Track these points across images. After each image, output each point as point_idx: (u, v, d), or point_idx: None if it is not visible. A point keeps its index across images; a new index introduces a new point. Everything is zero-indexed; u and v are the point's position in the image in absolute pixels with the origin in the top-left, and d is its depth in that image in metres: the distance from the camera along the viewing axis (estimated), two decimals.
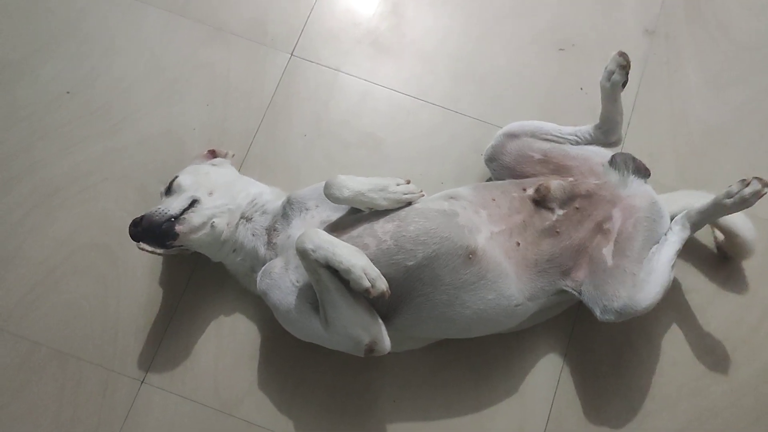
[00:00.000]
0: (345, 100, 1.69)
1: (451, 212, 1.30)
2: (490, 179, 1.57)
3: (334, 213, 1.35)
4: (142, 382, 1.45)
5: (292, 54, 1.72)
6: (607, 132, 1.47)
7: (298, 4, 1.77)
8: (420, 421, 1.44)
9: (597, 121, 1.46)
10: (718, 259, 1.54)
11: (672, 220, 1.39)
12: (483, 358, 1.47)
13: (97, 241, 1.54)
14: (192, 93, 1.68)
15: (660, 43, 1.74)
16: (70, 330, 1.48)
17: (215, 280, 1.51)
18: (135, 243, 1.40)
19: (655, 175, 1.43)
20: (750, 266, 1.54)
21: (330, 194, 1.28)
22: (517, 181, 1.43)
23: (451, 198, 1.34)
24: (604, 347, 1.48)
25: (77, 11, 1.73)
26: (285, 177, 1.60)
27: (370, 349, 1.24)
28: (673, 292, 1.45)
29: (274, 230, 1.37)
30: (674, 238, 1.35)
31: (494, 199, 1.36)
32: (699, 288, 1.53)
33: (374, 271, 1.18)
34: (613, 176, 1.41)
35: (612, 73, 1.39)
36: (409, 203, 1.31)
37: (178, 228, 1.29)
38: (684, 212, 1.38)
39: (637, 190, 1.40)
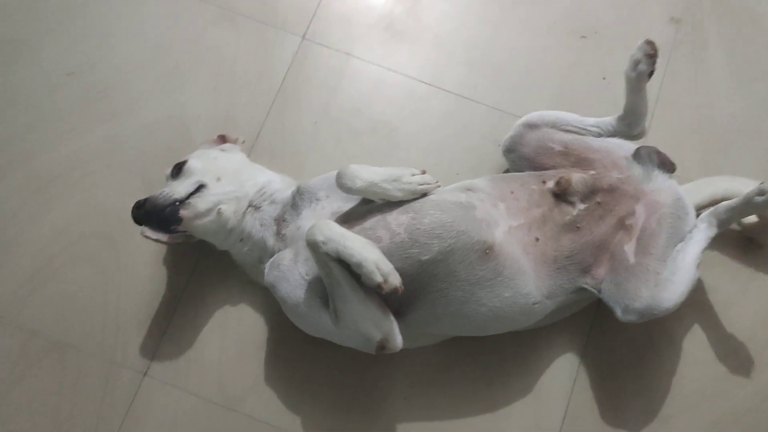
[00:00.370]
0: (357, 86, 1.63)
1: (468, 205, 1.24)
2: (507, 170, 1.51)
3: (346, 203, 1.29)
4: (144, 375, 1.40)
5: (303, 37, 1.66)
6: (630, 124, 1.40)
7: None
8: (431, 420, 1.39)
9: (620, 112, 1.40)
10: (743, 253, 1.48)
11: (697, 211, 1.33)
12: (497, 355, 1.42)
13: (98, 230, 1.49)
14: (198, 77, 1.62)
15: (686, 32, 1.67)
16: (69, 321, 1.43)
17: (221, 270, 1.46)
18: (138, 230, 1.36)
19: (678, 170, 1.36)
20: None
21: (342, 184, 1.22)
22: (537, 173, 1.37)
23: (468, 190, 1.29)
24: (622, 347, 1.43)
25: None
26: (294, 165, 1.55)
27: (382, 346, 1.19)
28: (696, 290, 1.37)
29: (283, 221, 1.32)
30: (700, 236, 1.29)
31: (513, 192, 1.31)
32: (722, 286, 1.46)
33: (387, 266, 1.13)
34: (637, 170, 1.35)
35: (638, 62, 1.32)
36: (424, 194, 1.26)
37: (182, 213, 1.24)
38: (711, 209, 1.32)
39: (661, 184, 1.34)
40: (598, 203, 1.32)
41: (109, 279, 1.46)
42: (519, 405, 1.39)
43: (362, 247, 1.13)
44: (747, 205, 1.25)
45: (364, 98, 1.62)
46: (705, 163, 1.55)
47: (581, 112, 1.43)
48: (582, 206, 1.31)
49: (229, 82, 1.61)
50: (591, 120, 1.42)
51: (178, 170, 1.34)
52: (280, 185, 1.38)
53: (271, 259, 1.28)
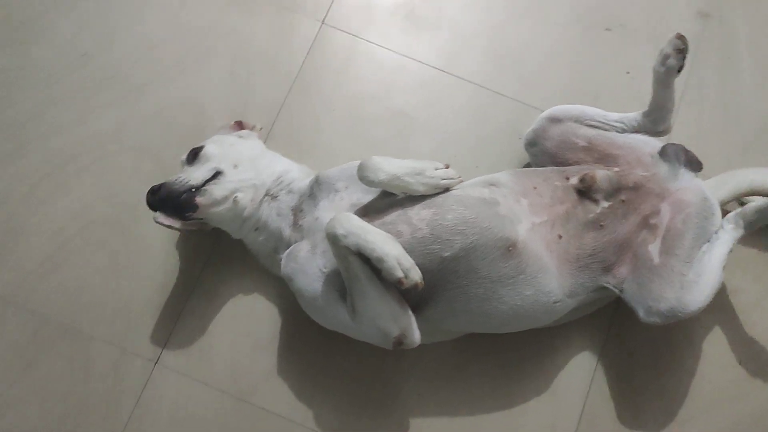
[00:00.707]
0: (376, 73, 1.59)
1: (491, 201, 1.21)
2: (527, 165, 1.48)
3: (365, 195, 1.26)
4: (156, 363, 1.38)
5: (322, 22, 1.62)
6: (655, 120, 1.37)
7: None
8: (445, 416, 1.37)
9: (643, 107, 1.36)
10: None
11: (721, 207, 1.30)
12: (514, 353, 1.40)
13: (111, 215, 1.47)
14: (215, 61, 1.58)
15: (714, 27, 1.63)
16: (81, 306, 1.41)
17: (235, 259, 1.43)
18: (152, 216, 1.33)
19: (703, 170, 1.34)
20: None
21: (364, 176, 1.19)
22: (560, 168, 1.34)
23: (491, 185, 1.26)
24: (641, 347, 1.41)
25: None
26: (310, 153, 1.51)
27: (399, 342, 1.17)
28: (717, 291, 1.36)
29: (301, 211, 1.29)
30: (726, 237, 1.27)
31: (536, 188, 1.28)
32: (745, 288, 1.44)
33: (408, 261, 1.11)
34: (663, 168, 1.32)
35: (667, 57, 1.28)
36: (447, 189, 1.23)
37: (198, 200, 1.22)
38: (738, 210, 1.29)
39: (687, 183, 1.31)
40: (623, 201, 1.29)
41: (122, 265, 1.44)
42: (535, 403, 1.37)
43: (383, 242, 1.10)
44: None
45: (382, 86, 1.58)
46: (729, 162, 1.51)
47: (604, 107, 1.40)
48: (606, 204, 1.28)
49: (245, 67, 1.58)
50: (615, 115, 1.39)
51: (194, 156, 1.32)
52: (298, 174, 1.36)
53: (288, 250, 1.26)
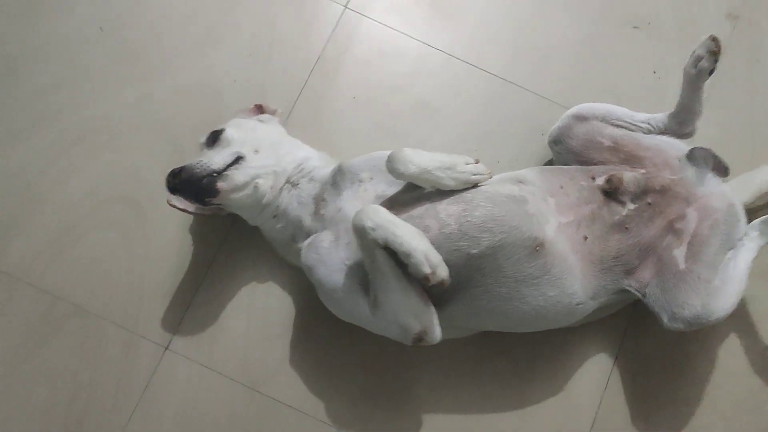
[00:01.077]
0: (399, 62, 1.56)
1: (520, 198, 1.19)
2: (549, 162, 1.46)
3: (390, 187, 1.23)
4: (166, 348, 1.36)
5: (346, 6, 1.58)
6: (682, 122, 1.35)
7: None
8: (457, 413, 1.36)
9: (668, 109, 1.34)
10: None
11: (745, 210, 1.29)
12: (529, 353, 1.38)
13: (126, 195, 1.44)
14: (234, 41, 1.54)
15: (743, 29, 1.60)
16: (93, 287, 1.38)
17: (250, 246, 1.41)
18: (166, 198, 1.31)
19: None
20: None
21: (393, 168, 1.16)
22: (585, 168, 1.32)
23: (520, 182, 1.23)
24: (657, 352, 1.39)
25: None
26: (329, 140, 1.48)
27: (419, 338, 1.15)
28: None
29: (323, 200, 1.26)
30: (751, 245, 1.26)
31: (562, 187, 1.26)
32: (760, 296, 1.42)
33: (436, 257, 1.08)
34: (691, 172, 1.30)
35: (700, 58, 1.26)
36: (475, 185, 1.20)
37: (219, 185, 1.19)
38: (764, 218, 1.28)
39: (714, 189, 1.29)
40: (649, 204, 1.27)
41: (135, 247, 1.41)
42: (549, 404, 1.36)
43: (412, 237, 1.08)
44: None
45: (405, 75, 1.55)
46: (754, 167, 1.50)
47: (628, 106, 1.38)
48: (632, 206, 1.26)
49: (266, 49, 1.54)
50: (642, 116, 1.37)
51: (214, 139, 1.29)
52: (318, 162, 1.33)
53: (308, 240, 1.23)
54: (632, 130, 1.36)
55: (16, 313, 1.37)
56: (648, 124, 1.36)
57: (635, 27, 1.61)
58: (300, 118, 1.50)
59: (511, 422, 1.35)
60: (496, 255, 1.14)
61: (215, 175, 1.19)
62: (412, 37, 1.57)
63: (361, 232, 1.09)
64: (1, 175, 1.44)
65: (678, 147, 1.34)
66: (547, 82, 1.56)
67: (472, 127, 1.53)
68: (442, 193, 1.18)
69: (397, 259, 1.10)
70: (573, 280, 1.20)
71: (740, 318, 1.41)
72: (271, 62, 1.53)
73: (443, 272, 1.09)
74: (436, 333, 1.16)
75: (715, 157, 1.31)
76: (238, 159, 1.24)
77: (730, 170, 1.32)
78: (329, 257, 1.18)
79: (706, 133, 1.49)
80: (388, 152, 1.26)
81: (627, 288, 1.26)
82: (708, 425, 1.35)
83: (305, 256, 1.21)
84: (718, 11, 1.62)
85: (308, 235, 1.26)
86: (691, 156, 1.31)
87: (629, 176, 1.26)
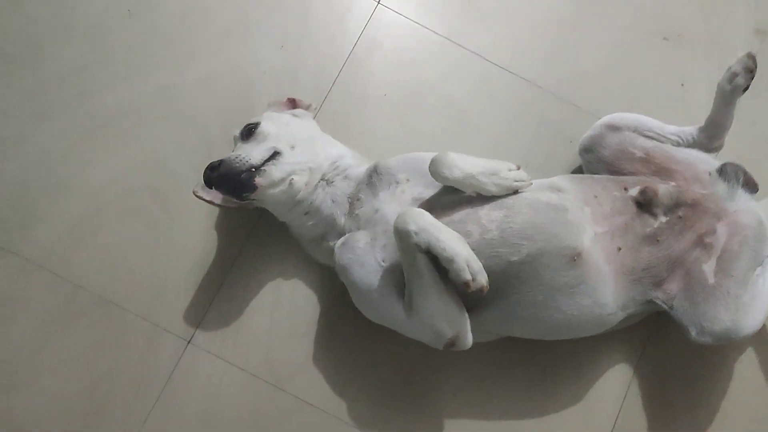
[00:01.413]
0: (432, 61, 1.54)
1: (561, 207, 1.19)
2: (576, 169, 1.46)
3: (426, 190, 1.22)
4: (189, 342, 1.34)
5: (379, 2, 1.56)
6: (711, 137, 1.36)
7: None
8: (478, 419, 1.36)
9: (694, 121, 1.36)
10: None
11: None
12: (552, 361, 1.39)
13: (150, 184, 1.41)
14: (265, 32, 1.52)
15: None
16: (115, 277, 1.36)
17: (277, 241, 1.39)
18: (192, 189, 1.29)
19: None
20: None
21: (437, 172, 1.15)
22: (617, 177, 1.32)
23: (558, 190, 1.23)
24: (676, 363, 1.41)
25: None
26: (359, 138, 1.46)
27: (452, 343, 1.14)
28: None
29: (358, 200, 1.25)
30: None
31: (596, 196, 1.26)
32: None
33: (477, 264, 1.08)
34: (721, 187, 1.31)
35: (736, 75, 1.27)
36: (516, 191, 1.20)
37: (257, 180, 1.17)
38: None
39: (744, 205, 1.30)
40: (680, 217, 1.27)
41: (159, 237, 1.38)
42: (569, 413, 1.37)
43: (454, 242, 1.07)
44: None
45: (436, 74, 1.54)
46: None
47: (655, 117, 1.38)
48: (664, 219, 1.27)
49: (298, 41, 1.52)
50: (672, 128, 1.38)
51: (249, 132, 1.26)
52: (352, 160, 1.31)
53: (343, 240, 1.22)
54: (662, 142, 1.37)
55: (35, 300, 1.34)
56: (678, 136, 1.37)
57: (665, 38, 1.61)
58: (330, 114, 1.48)
59: (532, 428, 1.36)
60: (535, 263, 1.14)
61: (253, 170, 1.17)
62: (444, 37, 1.56)
63: (403, 235, 1.08)
64: (24, 157, 1.41)
65: (708, 161, 1.34)
66: (577, 89, 1.56)
67: (502, 131, 1.52)
68: (483, 199, 1.18)
69: (436, 264, 1.09)
70: (606, 291, 1.20)
71: (758, 333, 1.42)
72: (302, 55, 1.51)
73: (483, 279, 1.08)
74: (469, 339, 1.16)
75: (745, 173, 1.32)
76: (274, 154, 1.22)
77: (759, 187, 1.33)
78: (366, 258, 1.17)
79: (730, 149, 1.51)
80: (424, 154, 1.26)
81: (654, 299, 1.26)
82: None
83: (340, 256, 1.20)
84: (747, 27, 1.63)
85: (340, 234, 1.24)
86: (722, 171, 1.32)
87: (664, 189, 1.27)
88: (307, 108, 1.41)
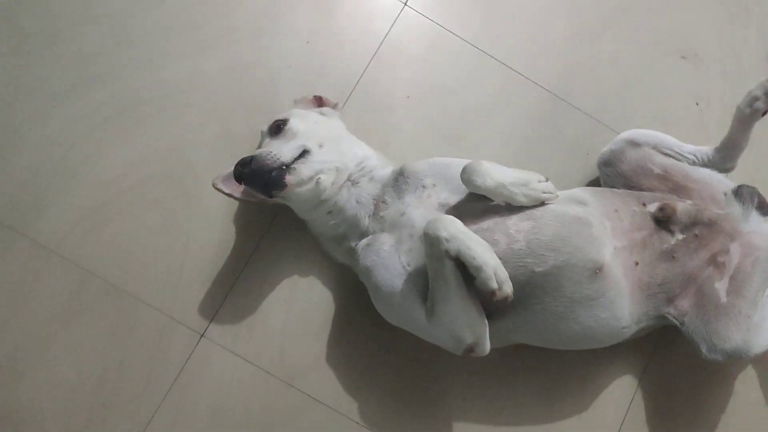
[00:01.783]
0: (455, 65, 1.54)
1: (586, 221, 1.20)
2: (593, 182, 1.48)
3: (452, 196, 1.22)
4: (202, 335, 1.33)
5: (405, 4, 1.55)
6: (726, 157, 1.39)
7: None
8: (486, 424, 1.37)
9: (708, 140, 1.39)
10: None
11: None
12: (560, 370, 1.41)
13: (168, 174, 1.39)
14: (292, 26, 1.51)
15: None
16: (129, 266, 1.34)
17: (294, 238, 1.38)
18: (212, 181, 1.28)
19: None
20: None
21: (470, 180, 1.16)
22: (635, 193, 1.34)
23: (582, 204, 1.24)
24: (680, 377, 1.44)
25: None
26: (381, 138, 1.46)
27: (470, 349, 1.15)
28: None
29: (383, 202, 1.25)
30: None
31: (617, 210, 1.28)
32: None
33: (504, 273, 1.08)
34: (736, 208, 1.33)
35: (756, 99, 1.30)
36: (543, 203, 1.21)
37: (287, 178, 1.16)
38: None
39: (757, 227, 1.33)
40: (695, 236, 1.30)
41: (175, 228, 1.37)
42: (575, 421, 1.39)
43: (484, 251, 1.08)
44: None
45: (459, 80, 1.54)
46: None
47: (671, 135, 1.40)
48: (680, 236, 1.29)
49: (324, 37, 1.51)
50: (689, 147, 1.40)
51: (277, 129, 1.25)
52: (378, 162, 1.31)
53: (367, 241, 1.22)
54: (679, 160, 1.39)
55: (46, 287, 1.31)
56: (694, 155, 1.39)
57: (683, 57, 1.63)
58: (353, 113, 1.47)
59: None
60: (559, 274, 1.15)
61: (284, 168, 1.16)
62: (468, 42, 1.56)
63: (434, 241, 1.08)
64: (39, 140, 1.37)
65: (723, 182, 1.37)
66: (594, 102, 1.57)
67: (521, 139, 1.53)
68: (511, 208, 1.18)
69: (464, 271, 1.10)
70: (624, 304, 1.22)
71: None
72: (327, 52, 1.50)
73: (509, 288, 1.09)
74: (487, 346, 1.17)
75: (759, 196, 1.35)
76: (304, 152, 1.21)
77: None
78: (390, 261, 1.17)
79: (741, 170, 1.54)
80: (451, 159, 1.26)
81: (666, 315, 1.29)
82: None
83: (364, 257, 1.20)
84: (760, 51, 1.66)
85: (363, 235, 1.24)
86: (738, 192, 1.35)
87: (682, 207, 1.29)
88: (334, 107, 1.40)
